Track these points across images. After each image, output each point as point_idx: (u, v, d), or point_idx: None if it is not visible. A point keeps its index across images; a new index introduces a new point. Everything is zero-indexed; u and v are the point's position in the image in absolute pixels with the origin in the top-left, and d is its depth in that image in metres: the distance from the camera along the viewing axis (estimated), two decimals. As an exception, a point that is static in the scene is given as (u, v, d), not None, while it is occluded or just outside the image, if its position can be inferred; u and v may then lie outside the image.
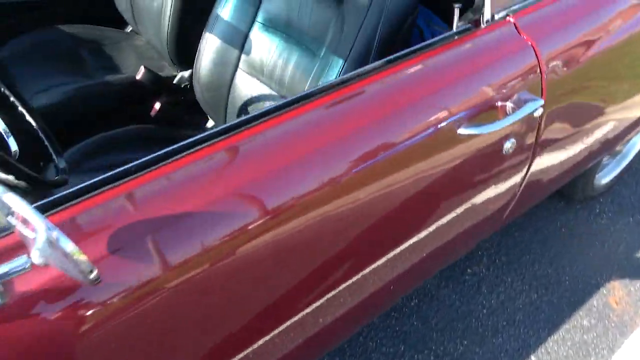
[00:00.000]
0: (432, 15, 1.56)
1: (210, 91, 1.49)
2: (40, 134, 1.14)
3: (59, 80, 1.69)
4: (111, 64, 1.85)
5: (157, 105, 1.62)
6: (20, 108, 1.15)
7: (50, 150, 1.12)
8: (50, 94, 1.64)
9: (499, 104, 0.99)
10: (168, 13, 1.67)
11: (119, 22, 2.07)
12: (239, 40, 1.40)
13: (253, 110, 1.42)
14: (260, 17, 1.38)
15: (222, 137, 0.77)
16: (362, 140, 0.87)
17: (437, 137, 0.94)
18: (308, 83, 1.26)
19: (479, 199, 1.17)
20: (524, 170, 1.22)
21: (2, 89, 1.04)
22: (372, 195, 0.89)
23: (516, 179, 1.23)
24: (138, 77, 1.67)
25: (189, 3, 1.66)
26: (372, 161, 0.88)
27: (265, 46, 1.36)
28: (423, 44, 0.97)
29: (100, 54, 1.88)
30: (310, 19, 1.29)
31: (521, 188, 1.28)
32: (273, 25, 1.35)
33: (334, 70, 1.17)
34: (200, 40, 1.46)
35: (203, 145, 0.76)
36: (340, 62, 1.15)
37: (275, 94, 1.37)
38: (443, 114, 0.94)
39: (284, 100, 0.84)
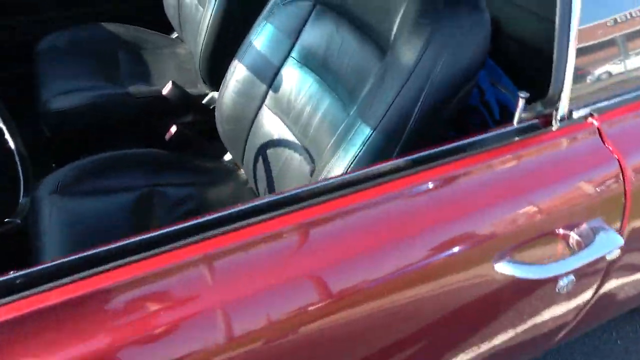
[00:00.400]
0: (500, 73, 1.30)
1: (230, 123, 1.34)
2: (16, 158, 1.02)
3: (84, 83, 1.61)
4: (145, 70, 1.74)
5: (173, 129, 1.47)
6: (1, 125, 1.03)
7: (21, 177, 1.00)
8: (70, 98, 1.56)
9: (561, 231, 0.72)
10: (205, 28, 1.53)
11: (168, 27, 1.97)
12: (269, 74, 1.25)
13: (274, 157, 1.24)
14: (295, 53, 1.21)
15: (289, 209, 0.72)
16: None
17: (469, 269, 0.70)
18: (332, 141, 1.07)
19: (523, 327, 0.92)
20: (584, 302, 0.94)
21: None
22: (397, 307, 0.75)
23: (572, 309, 0.95)
24: (164, 92, 1.54)
25: (228, 21, 1.50)
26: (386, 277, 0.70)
27: (296, 85, 1.19)
28: (469, 140, 0.72)
29: (137, 59, 1.79)
30: (349, 64, 1.10)
31: (579, 317, 1.00)
32: (308, 64, 1.18)
33: (359, 138, 0.96)
34: (229, 67, 1.31)
35: (270, 215, 0.71)
36: (368, 130, 0.94)
37: (298, 142, 1.19)
38: (480, 239, 0.69)
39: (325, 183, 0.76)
